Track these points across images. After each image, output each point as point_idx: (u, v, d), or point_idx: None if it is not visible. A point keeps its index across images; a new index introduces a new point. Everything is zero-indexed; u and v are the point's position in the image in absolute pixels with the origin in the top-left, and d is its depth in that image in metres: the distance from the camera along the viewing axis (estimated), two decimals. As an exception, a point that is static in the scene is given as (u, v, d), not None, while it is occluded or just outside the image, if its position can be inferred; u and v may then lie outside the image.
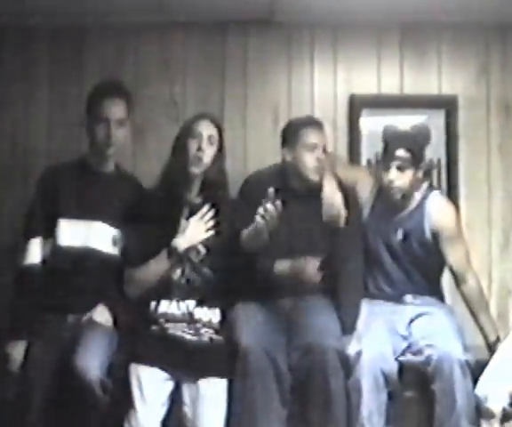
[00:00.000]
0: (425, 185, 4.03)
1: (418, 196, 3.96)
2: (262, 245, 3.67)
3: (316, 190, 3.97)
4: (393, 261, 3.96)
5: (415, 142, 3.96)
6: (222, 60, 4.65)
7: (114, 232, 3.83)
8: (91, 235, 3.80)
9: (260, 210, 3.52)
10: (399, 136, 3.99)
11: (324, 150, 4.06)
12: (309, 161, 4.01)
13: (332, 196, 3.95)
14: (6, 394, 3.64)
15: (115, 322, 3.72)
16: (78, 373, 3.40)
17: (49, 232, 3.80)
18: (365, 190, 4.06)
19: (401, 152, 3.85)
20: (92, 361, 3.44)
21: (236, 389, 3.61)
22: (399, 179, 3.85)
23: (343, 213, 3.92)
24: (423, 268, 3.97)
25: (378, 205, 4.02)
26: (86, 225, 3.80)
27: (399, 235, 3.93)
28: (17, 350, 3.68)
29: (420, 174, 3.93)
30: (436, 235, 3.90)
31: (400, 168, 3.85)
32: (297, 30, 4.63)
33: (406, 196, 3.91)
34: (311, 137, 4.04)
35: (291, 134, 4.09)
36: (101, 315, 3.69)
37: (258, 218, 3.53)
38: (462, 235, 3.98)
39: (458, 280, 3.93)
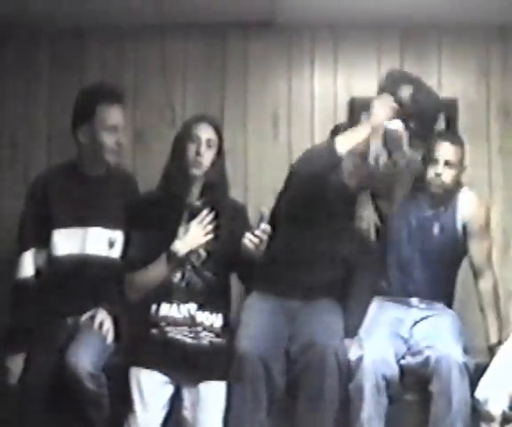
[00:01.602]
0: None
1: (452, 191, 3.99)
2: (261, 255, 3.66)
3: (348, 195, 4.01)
4: (416, 254, 3.96)
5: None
6: (222, 63, 4.65)
7: (110, 234, 3.78)
8: (87, 241, 3.75)
9: (249, 236, 3.53)
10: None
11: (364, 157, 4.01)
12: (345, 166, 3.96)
13: (367, 208, 4.04)
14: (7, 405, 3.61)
15: (116, 326, 3.67)
16: (68, 367, 3.40)
17: (43, 242, 3.75)
18: (403, 187, 4.08)
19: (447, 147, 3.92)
20: (83, 356, 3.42)
21: (230, 393, 3.60)
22: (445, 174, 3.89)
23: (374, 226, 4.01)
24: (444, 264, 3.99)
25: (411, 199, 4.03)
26: (82, 232, 3.75)
27: (435, 229, 3.94)
28: (16, 364, 3.64)
29: (463, 175, 3.98)
30: (465, 227, 3.95)
31: (447, 163, 3.89)
32: (297, 33, 4.63)
33: (447, 192, 3.94)
34: None
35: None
36: (102, 319, 3.65)
37: (246, 241, 3.53)
38: (489, 231, 4.06)
39: (477, 275, 3.99)
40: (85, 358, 3.40)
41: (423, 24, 4.53)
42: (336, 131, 4.10)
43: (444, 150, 3.91)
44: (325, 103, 4.64)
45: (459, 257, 4.00)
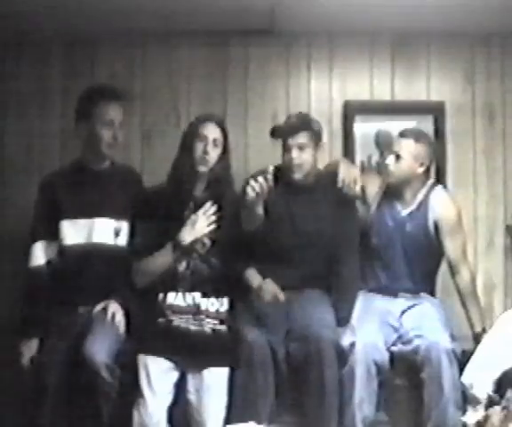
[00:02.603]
0: (430, 180, 4.10)
1: (423, 190, 4.01)
2: (258, 224, 3.70)
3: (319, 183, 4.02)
4: (397, 254, 4.00)
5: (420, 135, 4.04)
6: (225, 68, 4.66)
7: (115, 224, 3.83)
8: (94, 231, 3.80)
9: (252, 182, 3.56)
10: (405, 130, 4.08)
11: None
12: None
13: (349, 167, 4.06)
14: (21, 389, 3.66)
15: (127, 316, 3.72)
16: (86, 359, 3.44)
17: (54, 234, 3.80)
18: (373, 189, 4.10)
19: (399, 141, 3.99)
20: (100, 348, 3.47)
21: (238, 378, 3.63)
22: (394, 165, 3.95)
23: (359, 182, 3.98)
24: (424, 260, 4.02)
25: (385, 201, 4.05)
26: (88, 222, 3.80)
27: (410, 228, 3.98)
28: (28, 348, 3.70)
29: (420, 170, 3.97)
30: (437, 226, 3.96)
31: (397, 156, 3.93)
32: (295, 40, 4.65)
33: (406, 184, 3.97)
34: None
35: None
36: (114, 310, 3.69)
37: (249, 189, 3.57)
38: (462, 229, 4.05)
39: (453, 271, 4.00)
40: (102, 351, 3.46)
41: (413, 32, 4.57)
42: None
43: (397, 144, 3.98)
44: (321, 105, 4.66)
45: (436, 253, 4.03)
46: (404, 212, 4.00)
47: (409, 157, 3.93)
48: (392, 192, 4.03)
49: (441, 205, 3.99)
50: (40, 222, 3.84)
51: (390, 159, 3.96)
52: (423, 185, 4.02)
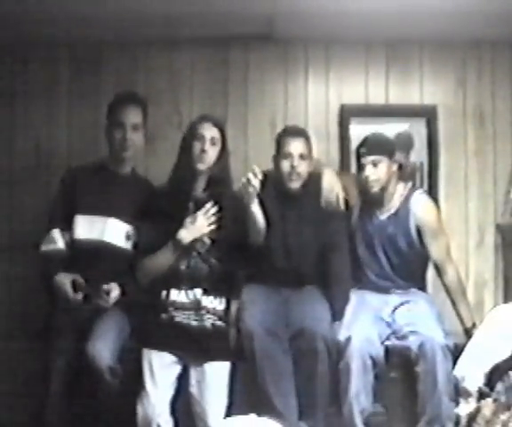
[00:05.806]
0: (409, 185, 4.07)
1: (403, 193, 3.97)
2: (261, 238, 3.71)
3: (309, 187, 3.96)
4: (380, 257, 3.95)
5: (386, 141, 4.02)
6: (225, 73, 4.64)
7: (127, 228, 3.80)
8: (106, 230, 3.77)
9: (243, 179, 3.59)
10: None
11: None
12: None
13: (331, 181, 3.97)
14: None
15: (123, 294, 3.68)
16: (89, 360, 3.43)
17: (68, 225, 3.78)
18: (353, 195, 4.03)
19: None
20: (103, 349, 3.45)
21: (241, 370, 3.63)
22: (374, 173, 3.87)
23: (341, 196, 3.92)
24: (408, 262, 3.98)
25: (364, 209, 4.01)
26: (102, 221, 3.78)
27: (389, 230, 3.93)
28: (62, 282, 3.63)
29: (395, 168, 3.94)
30: (420, 230, 3.91)
31: (374, 164, 3.87)
32: (293, 46, 4.64)
33: (385, 189, 3.91)
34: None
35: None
36: (110, 288, 3.65)
37: (241, 187, 3.61)
38: (443, 229, 4.02)
39: (439, 271, 3.97)
40: (106, 353, 3.44)
41: (406, 39, 4.55)
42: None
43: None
44: (318, 109, 4.64)
45: (420, 255, 3.97)
46: (383, 216, 3.97)
47: (385, 159, 3.90)
48: (370, 199, 3.97)
49: (422, 210, 3.94)
50: (58, 212, 3.83)
51: (369, 169, 3.87)
52: (397, 184, 3.98)
